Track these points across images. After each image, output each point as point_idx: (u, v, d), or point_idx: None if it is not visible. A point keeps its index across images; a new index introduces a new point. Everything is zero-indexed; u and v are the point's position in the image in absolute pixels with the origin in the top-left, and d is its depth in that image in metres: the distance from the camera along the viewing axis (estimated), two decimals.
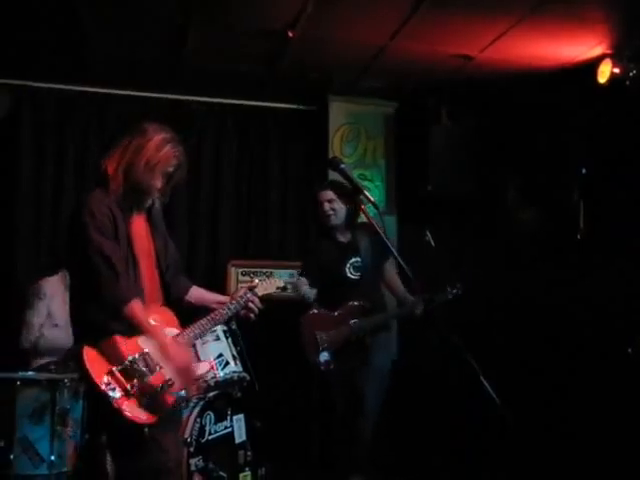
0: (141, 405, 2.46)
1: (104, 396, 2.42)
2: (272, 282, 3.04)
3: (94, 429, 3.66)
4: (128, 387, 2.45)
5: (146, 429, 2.45)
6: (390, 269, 4.18)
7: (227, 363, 3.76)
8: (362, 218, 4.96)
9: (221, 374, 3.70)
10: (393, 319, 4.28)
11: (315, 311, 3.97)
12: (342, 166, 2.54)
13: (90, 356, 2.49)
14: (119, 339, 2.53)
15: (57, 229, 5.02)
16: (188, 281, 2.96)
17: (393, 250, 2.35)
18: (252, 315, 2.88)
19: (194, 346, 2.89)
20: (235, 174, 5.48)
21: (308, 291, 3.97)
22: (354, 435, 3.93)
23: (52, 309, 4.14)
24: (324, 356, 3.85)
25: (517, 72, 4.70)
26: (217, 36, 4.41)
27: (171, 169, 2.69)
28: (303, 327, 3.93)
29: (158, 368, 2.55)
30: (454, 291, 4.04)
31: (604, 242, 4.36)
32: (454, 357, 2.32)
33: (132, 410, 2.44)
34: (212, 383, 3.63)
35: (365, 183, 5.39)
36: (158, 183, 2.67)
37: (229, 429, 3.74)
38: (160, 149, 2.65)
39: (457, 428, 4.72)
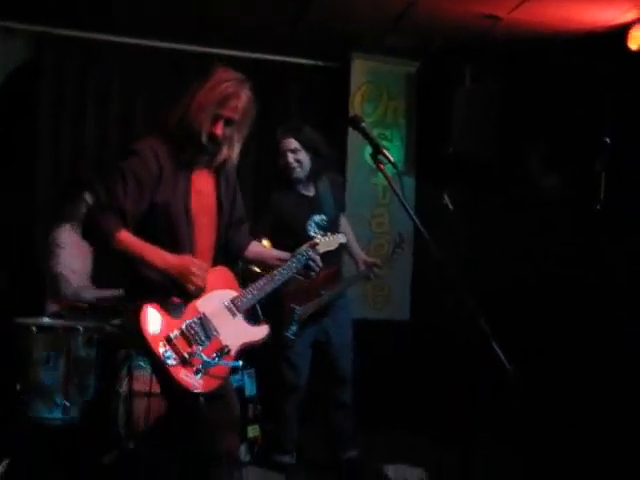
0: (198, 372, 2.38)
1: (160, 362, 2.35)
2: (334, 239, 2.92)
3: (107, 377, 3.73)
4: (185, 355, 2.36)
5: (201, 398, 2.39)
6: (344, 222, 3.97)
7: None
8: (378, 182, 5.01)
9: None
10: (351, 284, 4.01)
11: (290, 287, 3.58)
12: (363, 124, 2.50)
13: (148, 317, 2.37)
14: (177, 301, 2.45)
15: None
16: (248, 236, 2.83)
17: (410, 211, 2.32)
18: (313, 274, 2.75)
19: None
20: (255, 128, 5.42)
21: None
22: (336, 404, 3.90)
23: (69, 257, 4.16)
24: (292, 330, 3.69)
25: (545, 35, 4.61)
26: None
27: (225, 112, 2.47)
28: (281, 300, 3.65)
29: (215, 334, 2.48)
30: (399, 250, 3.93)
31: (624, 213, 4.31)
32: (467, 320, 2.31)
33: (188, 378, 2.35)
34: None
35: (385, 143, 5.34)
36: (207, 126, 2.44)
37: (240, 383, 3.78)
38: (214, 88, 2.46)
39: (465, 391, 4.74)
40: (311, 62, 5.53)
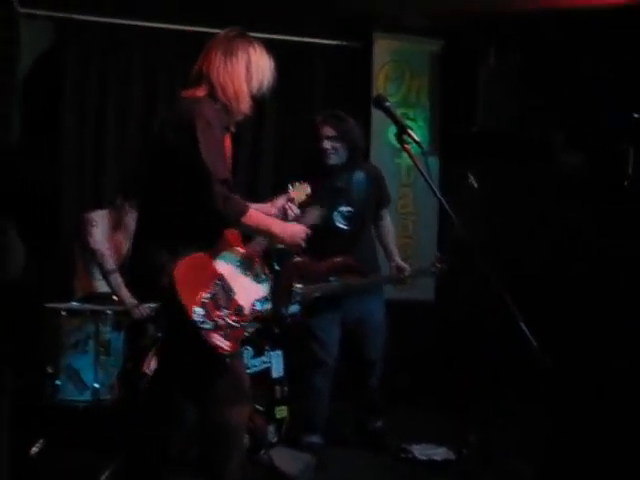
0: (225, 335, 2.44)
1: (197, 328, 2.38)
2: (303, 188, 2.98)
3: (135, 359, 3.78)
4: (216, 318, 2.42)
5: (228, 359, 2.46)
6: (385, 217, 3.99)
7: (266, 299, 3.78)
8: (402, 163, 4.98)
9: (260, 308, 3.72)
10: (374, 285, 3.94)
11: (299, 260, 3.69)
12: (387, 104, 2.48)
13: (182, 276, 2.37)
14: (205, 258, 2.47)
15: (100, 165, 5.08)
16: None
17: (436, 191, 2.30)
18: (290, 219, 2.80)
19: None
20: (277, 110, 5.42)
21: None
22: (363, 384, 3.95)
23: (102, 236, 4.20)
24: (294, 308, 3.67)
25: (570, 9, 4.52)
26: None
27: (262, 91, 2.62)
28: (282, 274, 3.62)
29: (232, 294, 2.52)
30: (438, 266, 3.89)
31: None
32: (492, 299, 2.30)
33: (220, 341, 2.41)
34: (251, 318, 3.66)
35: (408, 122, 5.29)
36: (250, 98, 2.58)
37: (267, 364, 3.80)
38: (259, 72, 2.61)
39: (490, 371, 4.74)
40: (334, 42, 5.48)
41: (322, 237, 3.33)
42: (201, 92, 2.55)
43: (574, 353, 4.32)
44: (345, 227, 3.73)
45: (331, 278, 3.72)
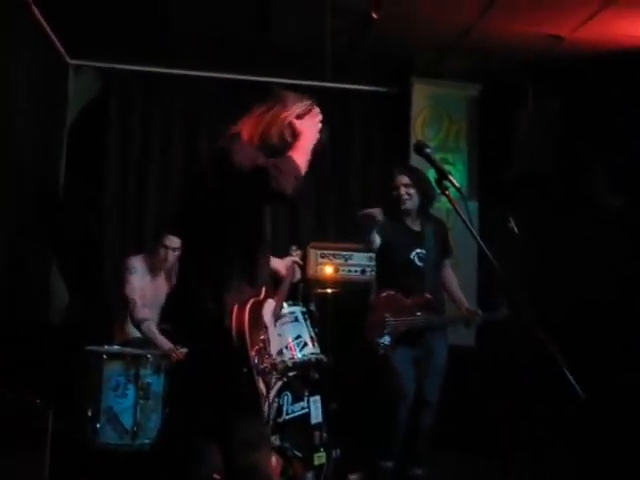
0: (263, 380, 2.44)
1: (253, 373, 2.36)
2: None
3: (175, 403, 3.78)
4: (263, 364, 2.41)
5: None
6: (448, 266, 4.20)
7: (305, 344, 3.77)
8: (441, 207, 4.97)
9: (299, 355, 3.72)
10: (450, 323, 4.16)
11: (391, 293, 3.92)
12: (427, 150, 2.48)
13: (248, 320, 2.34)
14: (258, 303, 2.46)
15: (142, 211, 5.19)
16: None
17: (477, 236, 2.29)
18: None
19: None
20: (316, 157, 5.47)
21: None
22: (416, 424, 3.95)
23: (140, 283, 4.26)
24: (386, 339, 3.84)
25: (609, 53, 4.53)
26: (300, 15, 4.40)
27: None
28: (374, 306, 3.92)
29: (269, 346, 2.52)
30: (502, 314, 3.98)
31: None
32: (535, 346, 2.25)
33: (261, 387, 2.41)
34: (290, 364, 3.66)
35: (447, 167, 5.28)
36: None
37: (305, 410, 3.77)
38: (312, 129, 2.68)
39: (531, 417, 4.63)
40: (372, 88, 5.56)
41: (403, 274, 3.91)
42: None
43: (617, 394, 4.21)
44: (421, 266, 3.99)
45: (417, 313, 3.89)
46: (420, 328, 3.91)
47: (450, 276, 4.21)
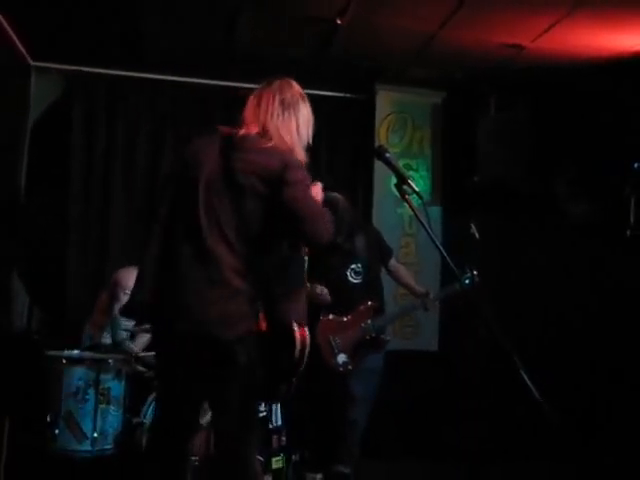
0: None
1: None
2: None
3: (134, 409, 3.75)
4: None
5: None
6: (394, 264, 4.36)
7: None
8: (404, 213, 5.01)
9: None
10: (406, 313, 4.43)
11: (329, 317, 4.08)
12: (387, 155, 2.51)
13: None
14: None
15: (106, 216, 5.13)
16: None
17: (436, 241, 2.32)
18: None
19: None
20: None
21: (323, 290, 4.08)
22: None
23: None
24: (341, 358, 4.00)
25: (570, 62, 4.60)
26: (266, 22, 4.41)
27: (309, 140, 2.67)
28: (317, 333, 3.98)
29: None
30: (466, 281, 3.93)
31: None
32: (496, 350, 2.29)
33: None
34: None
35: (410, 173, 5.34)
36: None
37: (264, 414, 3.76)
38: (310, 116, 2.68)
39: (494, 421, 4.68)
40: (337, 94, 5.59)
41: (341, 293, 4.06)
42: (268, 142, 2.52)
43: (582, 407, 4.28)
44: (358, 280, 4.13)
45: (362, 324, 4.05)
46: (373, 333, 4.06)
47: (398, 270, 4.38)
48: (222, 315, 2.35)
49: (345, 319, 4.06)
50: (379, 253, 4.30)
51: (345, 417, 4.03)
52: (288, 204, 2.41)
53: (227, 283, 2.36)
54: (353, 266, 4.14)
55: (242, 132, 2.52)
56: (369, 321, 4.05)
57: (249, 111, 2.59)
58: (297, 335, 2.44)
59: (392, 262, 4.36)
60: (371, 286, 4.17)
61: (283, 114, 2.57)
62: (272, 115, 2.55)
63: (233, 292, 2.36)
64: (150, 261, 2.45)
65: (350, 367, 3.99)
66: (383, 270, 4.33)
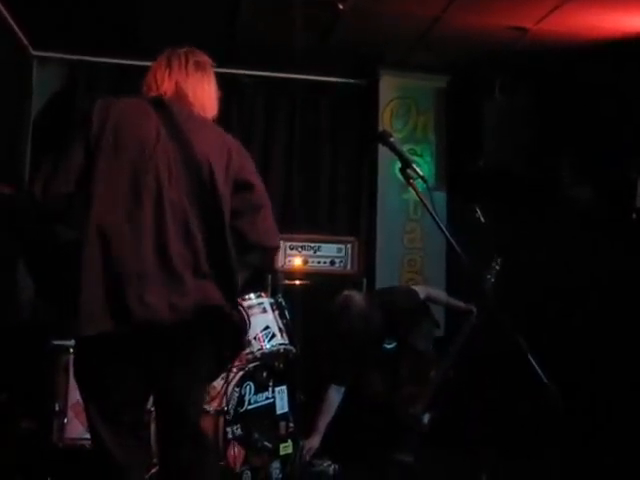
0: None
1: None
2: None
3: None
4: None
5: None
6: (426, 293, 4.20)
7: (273, 335, 3.78)
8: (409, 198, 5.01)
9: (267, 346, 3.73)
10: (462, 341, 4.22)
11: (399, 393, 4.01)
12: (391, 139, 2.49)
13: None
14: None
15: None
16: None
17: (442, 226, 2.31)
18: None
19: None
20: (285, 148, 5.48)
21: None
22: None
23: None
24: (426, 418, 3.96)
25: (575, 44, 4.56)
26: (268, 8, 4.38)
27: None
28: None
29: None
30: (493, 272, 4.00)
31: None
32: (502, 335, 2.28)
33: None
34: (258, 355, 3.67)
35: (415, 158, 5.32)
36: None
37: (270, 400, 3.77)
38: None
39: (503, 408, 4.68)
40: (340, 80, 5.56)
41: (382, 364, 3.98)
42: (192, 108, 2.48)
43: (588, 387, 4.27)
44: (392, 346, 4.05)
45: (431, 374, 4.00)
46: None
47: (433, 296, 4.26)
48: None
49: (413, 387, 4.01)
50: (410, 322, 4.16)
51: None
52: None
53: None
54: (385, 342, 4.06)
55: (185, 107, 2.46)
56: (432, 374, 4.01)
57: (162, 79, 2.54)
58: None
59: (422, 295, 4.19)
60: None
61: (203, 82, 2.56)
62: (192, 84, 2.52)
63: None
64: None
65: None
66: None
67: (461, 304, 4.19)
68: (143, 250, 2.20)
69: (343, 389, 4.02)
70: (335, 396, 4.02)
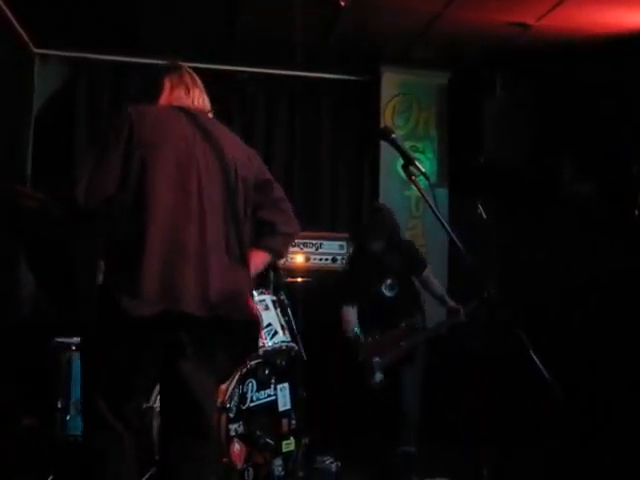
0: None
1: None
2: None
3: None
4: None
5: None
6: (428, 276, 4.42)
7: (275, 332, 3.79)
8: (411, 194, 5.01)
9: (270, 343, 3.73)
10: (438, 332, 4.40)
11: (370, 340, 4.23)
12: (393, 136, 2.48)
13: None
14: None
15: None
16: None
17: (444, 222, 2.30)
18: None
19: None
20: (286, 145, 5.48)
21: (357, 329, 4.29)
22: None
23: None
24: (378, 377, 4.18)
25: (576, 41, 4.56)
26: (268, 5, 4.38)
27: None
28: (365, 351, 4.21)
29: None
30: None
31: None
32: (504, 332, 2.28)
33: None
34: (260, 352, 3.66)
35: (416, 155, 5.32)
36: None
37: (272, 397, 3.77)
38: None
39: (503, 404, 4.68)
40: (341, 77, 5.56)
41: (377, 308, 4.24)
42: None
43: (588, 386, 4.27)
44: (392, 295, 4.29)
45: (401, 343, 4.20)
46: (412, 349, 4.23)
47: (431, 283, 4.43)
48: None
49: (387, 339, 4.21)
50: (412, 265, 4.38)
51: (404, 400, 4.17)
52: None
53: None
54: (388, 282, 4.27)
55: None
56: (403, 343, 4.18)
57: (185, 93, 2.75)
58: None
59: (425, 273, 4.42)
60: (406, 299, 4.31)
61: (202, 93, 2.81)
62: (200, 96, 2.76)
63: None
64: None
65: (383, 381, 4.18)
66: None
67: (452, 302, 4.34)
68: (195, 240, 2.36)
69: (355, 309, 4.30)
70: (350, 311, 4.29)
